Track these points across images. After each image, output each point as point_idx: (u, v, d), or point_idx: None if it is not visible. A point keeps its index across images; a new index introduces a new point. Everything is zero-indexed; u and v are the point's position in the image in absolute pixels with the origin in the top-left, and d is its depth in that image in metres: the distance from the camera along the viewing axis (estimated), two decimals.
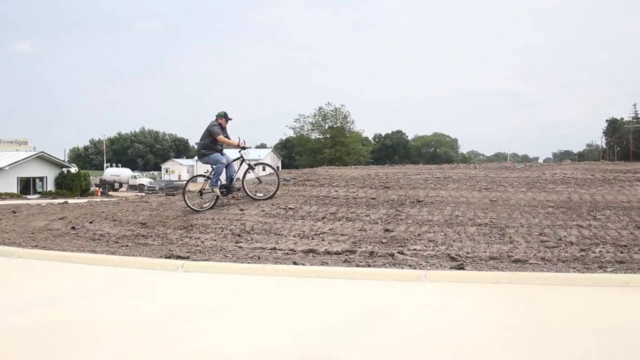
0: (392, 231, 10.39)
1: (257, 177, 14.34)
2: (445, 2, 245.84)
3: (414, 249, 9.50)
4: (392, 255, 9.13)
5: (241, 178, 14.12)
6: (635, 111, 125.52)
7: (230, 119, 14.19)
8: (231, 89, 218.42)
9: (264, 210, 12.17)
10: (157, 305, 6.69)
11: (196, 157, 14.06)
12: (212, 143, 13.82)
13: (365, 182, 13.56)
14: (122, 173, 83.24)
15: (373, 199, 12.19)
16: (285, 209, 12.10)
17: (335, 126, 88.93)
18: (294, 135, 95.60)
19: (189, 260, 9.12)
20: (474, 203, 11.48)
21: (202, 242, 10.80)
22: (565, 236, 9.76)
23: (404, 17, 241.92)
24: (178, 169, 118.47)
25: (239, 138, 14.07)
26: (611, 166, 15.39)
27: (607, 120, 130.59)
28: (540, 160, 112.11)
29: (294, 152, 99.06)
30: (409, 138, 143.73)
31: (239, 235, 10.89)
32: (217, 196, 13.64)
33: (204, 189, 13.99)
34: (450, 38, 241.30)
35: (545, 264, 8.50)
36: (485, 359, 4.62)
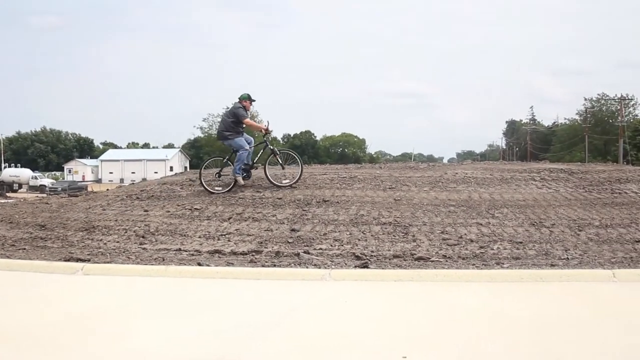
0: (298, 231, 10.42)
1: (281, 163, 13.96)
2: (350, 4, 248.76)
3: (320, 249, 9.56)
4: (298, 254, 9.15)
5: (265, 164, 13.80)
6: (533, 113, 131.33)
7: (254, 101, 13.89)
8: (137, 89, 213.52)
9: (169, 211, 11.96)
10: (53, 310, 6.45)
11: (219, 139, 14.02)
12: (235, 125, 13.44)
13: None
14: (21, 173, 79.71)
15: (279, 198, 12.19)
16: (190, 209, 11.93)
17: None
18: (202, 135, 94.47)
19: (89, 262, 8.85)
20: (378, 202, 11.67)
21: (105, 244, 10.48)
22: (465, 234, 10.06)
23: (311, 19, 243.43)
24: (82, 170, 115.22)
25: (267, 122, 13.89)
26: (508, 166, 15.99)
27: (506, 122, 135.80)
28: (445, 160, 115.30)
29: (202, 152, 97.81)
30: (318, 138, 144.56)
31: (142, 237, 10.64)
32: (236, 181, 13.28)
33: (222, 171, 13.65)
34: (358, 39, 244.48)
35: (447, 261, 8.73)
36: (386, 356, 4.70)
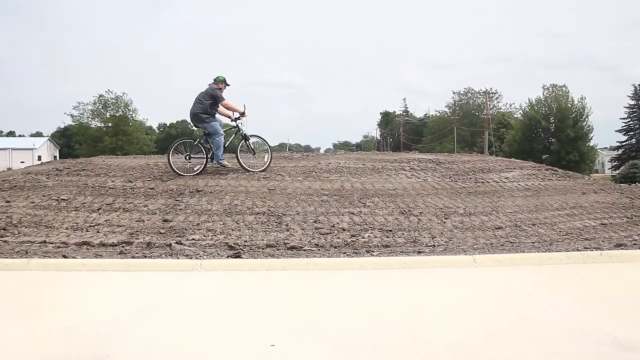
0: (170, 221, 10.24)
1: (252, 149, 13.87)
2: None
3: (193, 239, 9.44)
4: (170, 245, 8.99)
5: (237, 150, 13.64)
6: (405, 105, 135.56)
7: (229, 85, 13.65)
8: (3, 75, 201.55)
9: (33, 202, 11.38)
10: None
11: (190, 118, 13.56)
12: (211, 108, 13.18)
13: (144, 172, 13.23)
14: None
15: (152, 189, 11.92)
16: (57, 200, 11.42)
17: (117, 115, 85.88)
18: (73, 124, 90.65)
19: None
20: (252, 192, 11.66)
21: None
22: (337, 223, 10.25)
23: (196, 5, 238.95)
24: None
25: (244, 105, 13.71)
26: (380, 156, 16.40)
27: (381, 113, 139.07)
28: (322, 151, 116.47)
29: (73, 141, 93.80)
30: (194, 128, 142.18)
31: (4, 229, 10.07)
32: (205, 163, 13.20)
33: (192, 154, 13.32)
34: (233, 29, 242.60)
35: (319, 249, 8.86)
36: (255, 344, 4.71)
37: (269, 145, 14.20)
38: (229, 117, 13.67)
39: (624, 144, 78.75)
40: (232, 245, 9.03)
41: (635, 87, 79.68)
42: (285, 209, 10.81)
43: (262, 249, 8.91)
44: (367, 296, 6.31)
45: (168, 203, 11.11)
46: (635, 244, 9.11)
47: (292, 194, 11.63)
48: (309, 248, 8.93)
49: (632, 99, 79.19)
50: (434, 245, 9.19)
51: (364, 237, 9.61)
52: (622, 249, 8.65)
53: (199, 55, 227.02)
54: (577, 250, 8.55)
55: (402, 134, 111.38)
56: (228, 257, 8.28)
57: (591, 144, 70.49)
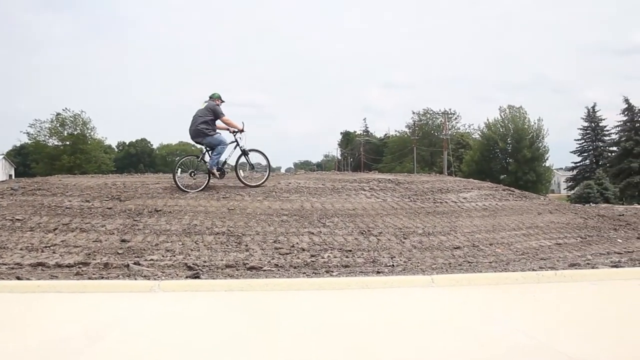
0: (128, 241, 10.13)
1: (251, 164, 14.15)
2: (185, 11, 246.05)
3: (151, 259, 9.36)
4: (128, 266, 8.90)
5: (235, 163, 14.03)
6: (366, 125, 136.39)
7: (224, 101, 14.07)
8: None
9: None
10: None
11: (190, 133, 13.62)
12: (213, 123, 13.57)
13: (101, 192, 13.04)
14: None
15: (109, 208, 11.77)
16: (11, 220, 11.19)
17: (75, 133, 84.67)
18: (29, 142, 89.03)
19: None
20: (212, 212, 11.60)
21: None
22: (297, 243, 10.27)
23: (148, 25, 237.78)
24: None
25: (242, 122, 13.98)
26: (340, 176, 16.48)
27: (341, 133, 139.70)
28: (283, 170, 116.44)
29: (30, 160, 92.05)
30: (155, 146, 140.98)
31: None
32: (209, 178, 13.55)
33: (195, 170, 13.63)
34: (191, 48, 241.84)
35: (279, 270, 8.86)
36: None
37: (268, 160, 14.40)
38: (235, 128, 13.95)
39: (578, 164, 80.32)
40: (191, 265, 8.98)
41: (588, 109, 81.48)
42: (245, 229, 10.79)
43: (222, 269, 8.88)
44: (325, 317, 6.31)
45: (126, 223, 10.98)
46: (588, 264, 9.31)
47: (252, 214, 11.61)
48: (269, 268, 8.93)
49: (586, 121, 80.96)
50: (393, 265, 9.26)
51: (323, 257, 9.64)
52: (576, 268, 8.83)
53: (158, 74, 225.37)
54: (533, 270, 8.69)
55: (362, 153, 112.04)
56: (187, 277, 8.23)
57: (547, 164, 71.84)
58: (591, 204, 33.66)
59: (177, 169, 13.59)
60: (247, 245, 10.04)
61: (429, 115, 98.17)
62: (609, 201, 47.31)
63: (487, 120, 74.75)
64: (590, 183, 54.16)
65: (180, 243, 10.08)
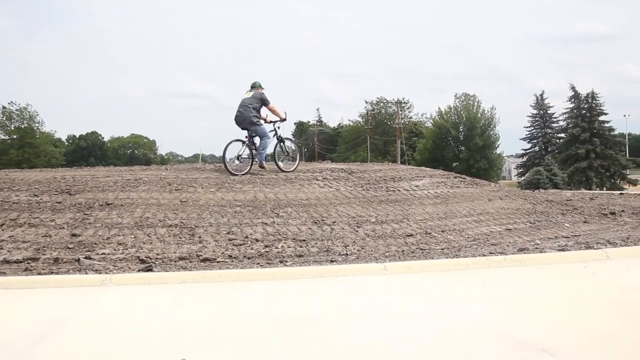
0: (79, 236, 9.97)
1: (286, 151, 15.17)
2: (139, 4, 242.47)
3: (103, 253, 9.22)
4: (79, 260, 8.76)
5: (273, 151, 14.96)
6: (319, 115, 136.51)
7: (264, 89, 14.81)
8: None
9: None
10: None
11: (237, 120, 14.55)
12: (259, 111, 14.44)
13: (50, 186, 12.78)
14: None
15: (59, 202, 11.54)
16: None
17: (22, 126, 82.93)
18: None
19: None
20: (164, 204, 11.49)
21: None
22: (251, 234, 10.24)
23: (97, 17, 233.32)
24: None
25: (285, 112, 14.84)
26: None
27: (295, 123, 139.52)
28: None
29: None
30: (105, 139, 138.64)
31: None
32: (252, 163, 14.35)
33: (241, 154, 14.38)
34: (141, 39, 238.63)
35: (232, 261, 8.83)
36: (165, 358, 4.67)
37: (298, 148, 15.41)
38: (271, 120, 14.87)
39: (528, 151, 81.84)
40: (144, 258, 8.89)
41: (537, 97, 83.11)
42: (198, 220, 10.72)
43: (175, 261, 8.81)
44: (279, 306, 6.34)
45: (76, 217, 10.80)
46: (536, 248, 9.51)
47: (205, 205, 11.54)
48: (222, 260, 8.89)
49: (535, 109, 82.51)
50: (347, 254, 9.32)
51: (277, 248, 9.64)
52: (525, 253, 9.02)
53: (110, 66, 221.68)
54: (483, 255, 8.85)
55: (316, 143, 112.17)
56: (139, 270, 8.15)
57: (498, 151, 73.15)
58: (540, 189, 34.36)
59: (226, 154, 14.34)
60: (200, 237, 9.98)
61: (382, 105, 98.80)
62: (558, 187, 48.38)
63: (440, 108, 75.59)
64: (539, 169, 55.20)
65: (132, 236, 9.96)
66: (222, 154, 14.58)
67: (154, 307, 6.45)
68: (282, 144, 14.98)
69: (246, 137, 14.44)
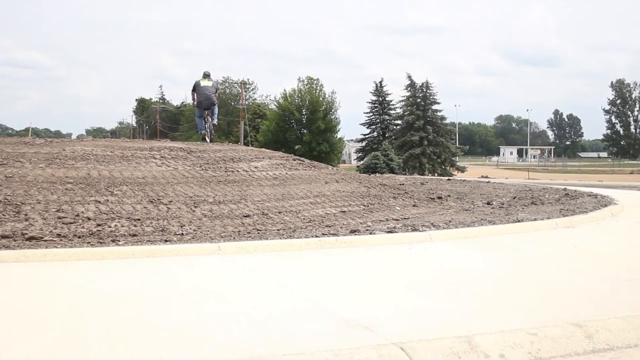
0: None
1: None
2: None
3: None
4: None
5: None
6: (162, 92, 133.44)
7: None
8: None
9: None
10: None
11: (203, 103, 20.09)
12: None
13: None
14: None
15: None
16: None
17: None
18: None
19: None
20: None
21: None
22: (82, 212, 9.89)
23: None
24: None
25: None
26: (130, 143, 16.00)
27: (137, 100, 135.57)
28: (74, 137, 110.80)
29: None
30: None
31: None
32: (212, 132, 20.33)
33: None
34: None
35: (61, 240, 8.48)
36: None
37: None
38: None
39: (367, 136, 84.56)
40: None
41: (376, 84, 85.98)
42: (25, 197, 10.17)
43: None
44: (107, 286, 6.16)
45: None
46: (367, 230, 9.91)
47: (33, 182, 10.96)
48: (50, 238, 8.51)
49: (374, 95, 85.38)
50: (183, 233, 9.24)
51: (110, 227, 9.38)
52: (356, 234, 9.37)
53: None
54: (316, 236, 9.10)
55: (158, 121, 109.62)
56: None
57: (339, 135, 75.00)
58: (377, 174, 35.78)
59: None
60: (26, 215, 9.48)
61: (227, 85, 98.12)
62: (394, 171, 50.55)
63: (285, 90, 76.16)
64: (377, 154, 57.30)
65: None
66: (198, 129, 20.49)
67: None
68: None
69: (207, 114, 19.93)
